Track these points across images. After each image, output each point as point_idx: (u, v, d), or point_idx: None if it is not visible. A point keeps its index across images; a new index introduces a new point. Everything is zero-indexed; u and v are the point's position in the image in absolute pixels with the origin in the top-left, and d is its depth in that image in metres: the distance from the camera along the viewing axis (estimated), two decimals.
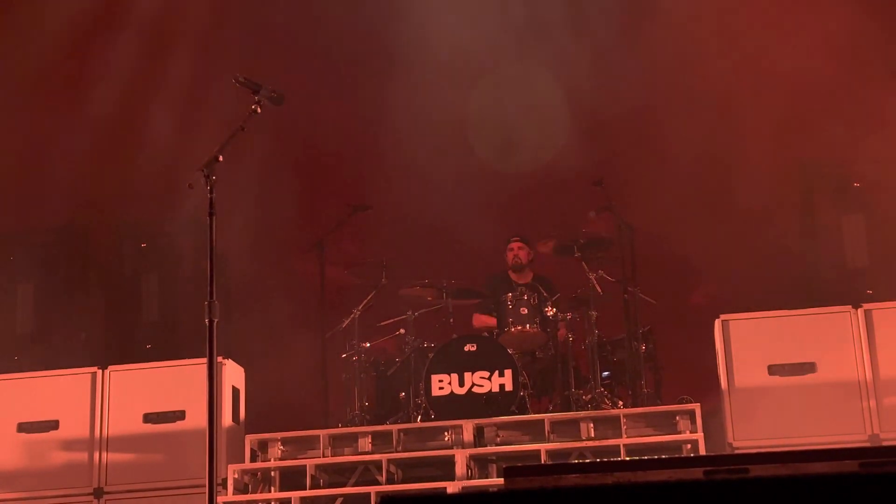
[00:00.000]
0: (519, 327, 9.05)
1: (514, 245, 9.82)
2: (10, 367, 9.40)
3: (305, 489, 8.27)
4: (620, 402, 8.90)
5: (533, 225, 10.18)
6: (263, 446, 8.68)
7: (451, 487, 7.94)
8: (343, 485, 8.38)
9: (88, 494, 8.58)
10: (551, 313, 9.17)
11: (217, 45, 10.81)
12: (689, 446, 8.11)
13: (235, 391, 8.92)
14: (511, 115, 11.25)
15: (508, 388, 8.67)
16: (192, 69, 10.79)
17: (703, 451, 7.97)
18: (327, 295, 9.77)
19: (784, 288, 9.57)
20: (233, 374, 8.91)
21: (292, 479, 8.42)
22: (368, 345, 9.31)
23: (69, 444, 8.70)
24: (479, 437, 8.48)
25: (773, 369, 8.31)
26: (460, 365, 8.75)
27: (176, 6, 10.87)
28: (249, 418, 9.08)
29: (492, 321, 9.44)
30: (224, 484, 8.26)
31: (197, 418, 8.50)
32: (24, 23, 10.94)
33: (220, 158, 5.61)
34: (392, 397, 9.18)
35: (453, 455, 8.23)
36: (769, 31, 10.19)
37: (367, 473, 8.36)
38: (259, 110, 5.83)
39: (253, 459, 8.63)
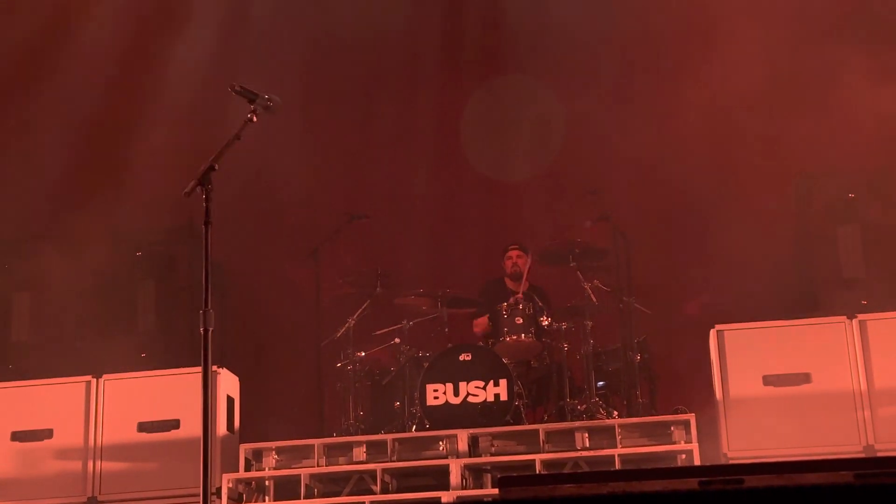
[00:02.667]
0: (514, 337, 9.05)
1: (513, 253, 9.82)
2: (4, 376, 9.38)
3: (300, 498, 8.25)
4: (615, 412, 8.89)
5: (528, 234, 10.18)
6: (258, 455, 8.67)
7: (446, 497, 7.93)
8: (338, 494, 8.37)
9: None
10: (546, 323, 9.17)
11: (213, 52, 10.81)
12: (683, 456, 8.11)
13: (230, 400, 8.91)
14: (507, 123, 11.26)
15: (503, 397, 8.67)
16: (187, 78, 10.79)
17: (697, 462, 7.97)
18: (322, 304, 9.77)
19: (779, 298, 9.58)
20: (227, 383, 8.90)
21: (287, 488, 8.41)
22: (363, 354, 9.30)
23: (63, 453, 8.68)
24: (474, 447, 8.47)
25: (768, 380, 8.31)
26: (455, 374, 8.75)
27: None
28: (244, 427, 9.06)
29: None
30: (218, 493, 8.25)
31: (191, 427, 8.49)
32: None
33: (216, 167, 5.60)
34: (387, 407, 9.17)
35: (448, 465, 8.22)
36: (763, 37, 10.21)
37: (361, 483, 8.35)
38: (255, 119, 5.83)
39: (247, 469, 8.61)
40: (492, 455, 8.44)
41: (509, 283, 9.81)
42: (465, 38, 11.32)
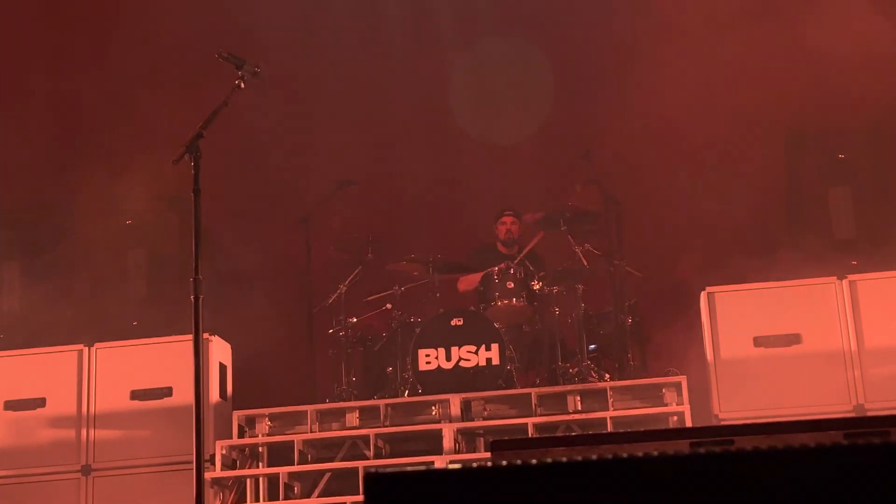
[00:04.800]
0: (505, 301, 9.06)
1: (507, 219, 9.80)
2: None
3: (293, 464, 8.28)
4: (607, 375, 8.92)
5: (519, 198, 10.17)
6: (251, 422, 8.69)
7: (439, 461, 7.96)
8: (331, 460, 8.40)
9: (76, 472, 8.57)
10: (538, 287, 9.18)
11: (202, 20, 10.74)
12: (675, 418, 8.15)
13: (222, 367, 8.92)
14: (496, 87, 11.22)
15: (495, 361, 8.69)
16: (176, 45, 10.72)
17: (689, 423, 8.00)
18: (314, 270, 9.76)
19: (770, 260, 9.59)
20: (220, 351, 8.91)
21: (280, 454, 8.44)
22: (355, 320, 9.31)
23: (56, 422, 8.70)
24: (467, 411, 8.50)
25: (758, 341, 8.34)
26: (447, 339, 8.77)
27: None
28: (237, 394, 9.08)
29: (475, 277, 9.42)
30: (212, 460, 8.27)
31: (184, 395, 8.50)
32: None
33: (204, 135, 5.59)
34: (379, 372, 9.19)
35: (441, 429, 8.25)
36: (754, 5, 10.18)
37: (354, 448, 8.38)
38: (242, 85, 5.81)
39: (241, 435, 8.64)
40: (484, 419, 8.48)
41: (502, 249, 9.81)
42: None
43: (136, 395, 8.68)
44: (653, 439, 3.23)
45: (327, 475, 8.23)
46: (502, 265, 9.19)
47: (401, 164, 11.24)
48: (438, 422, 8.43)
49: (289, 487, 8.29)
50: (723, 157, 10.24)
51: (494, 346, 8.72)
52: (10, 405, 8.78)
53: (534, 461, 2.28)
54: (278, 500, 8.17)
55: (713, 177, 10.30)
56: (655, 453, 2.30)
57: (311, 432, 8.53)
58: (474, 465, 2.28)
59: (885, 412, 7.84)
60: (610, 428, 8.06)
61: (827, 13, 9.59)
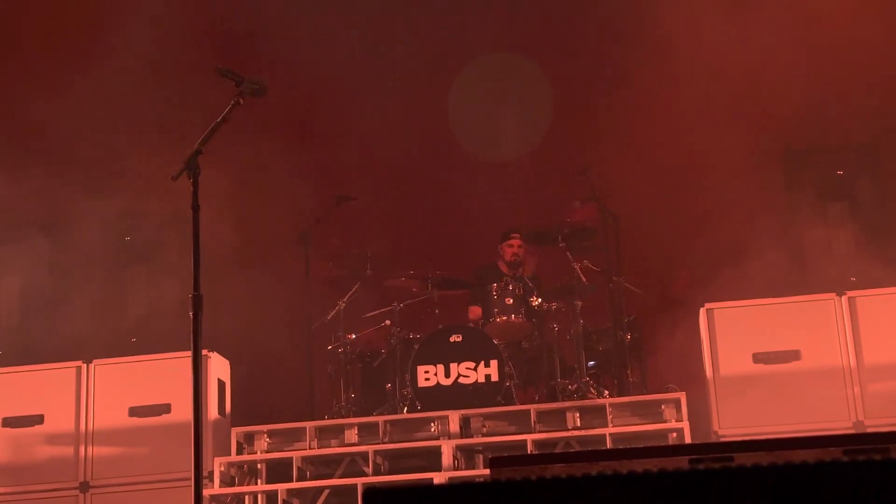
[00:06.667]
0: (504, 317, 9.05)
1: (514, 242, 9.74)
2: None
3: (292, 481, 8.27)
4: (606, 392, 8.91)
5: (517, 214, 10.18)
6: (250, 439, 8.68)
7: (438, 478, 7.95)
8: (330, 476, 8.38)
9: (74, 488, 8.56)
10: (536, 303, 9.17)
11: (203, 35, 10.76)
12: (674, 435, 8.14)
13: (221, 384, 8.91)
14: (494, 104, 11.24)
15: (494, 378, 8.68)
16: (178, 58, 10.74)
17: (688, 440, 7.99)
18: (312, 287, 9.76)
19: (769, 276, 9.60)
20: (218, 367, 8.90)
21: (279, 471, 8.42)
22: (354, 336, 9.30)
23: (55, 439, 8.68)
24: (466, 428, 8.49)
25: (757, 357, 8.33)
26: (446, 356, 8.76)
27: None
28: (235, 411, 9.07)
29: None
30: (210, 477, 8.26)
31: (183, 411, 8.49)
32: None
33: (203, 151, 5.59)
34: (378, 389, 9.18)
35: (440, 446, 8.23)
36: (750, 17, 10.20)
37: (353, 465, 8.36)
38: (241, 102, 5.81)
39: (239, 452, 8.62)
40: (483, 436, 8.46)
41: (504, 268, 9.77)
42: (451, 15, 11.28)
43: (134, 411, 8.66)
44: (652, 456, 3.22)
45: (326, 492, 8.21)
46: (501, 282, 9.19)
47: (399, 180, 11.25)
48: (437, 438, 8.42)
49: None
50: (721, 174, 10.25)
51: (493, 363, 8.71)
52: (9, 422, 8.77)
53: (533, 477, 2.28)
54: None
55: (712, 193, 10.30)
56: (655, 470, 2.30)
57: (310, 449, 8.52)
58: (475, 481, 2.28)
59: (884, 429, 7.83)
60: (609, 444, 8.05)
61: (826, 32, 9.62)
